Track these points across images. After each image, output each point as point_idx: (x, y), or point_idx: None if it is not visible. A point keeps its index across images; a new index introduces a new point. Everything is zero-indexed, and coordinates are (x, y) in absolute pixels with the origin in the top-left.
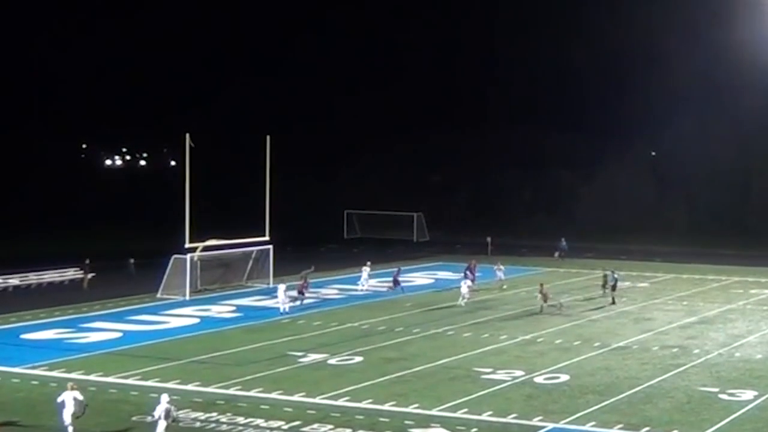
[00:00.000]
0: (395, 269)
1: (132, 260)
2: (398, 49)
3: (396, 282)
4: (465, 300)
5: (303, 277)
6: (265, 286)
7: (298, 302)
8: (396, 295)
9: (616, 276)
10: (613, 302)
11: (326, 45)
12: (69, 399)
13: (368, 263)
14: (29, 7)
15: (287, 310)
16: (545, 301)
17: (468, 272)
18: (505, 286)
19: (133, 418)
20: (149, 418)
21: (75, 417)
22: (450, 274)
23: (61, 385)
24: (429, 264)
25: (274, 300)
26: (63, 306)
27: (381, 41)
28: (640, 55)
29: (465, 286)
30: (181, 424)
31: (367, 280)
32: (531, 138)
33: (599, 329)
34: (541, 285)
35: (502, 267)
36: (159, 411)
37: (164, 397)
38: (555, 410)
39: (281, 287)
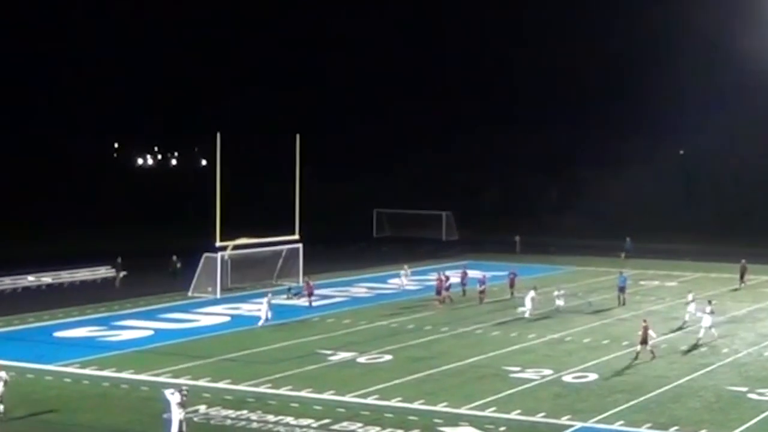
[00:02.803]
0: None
1: (175, 257)
2: (427, 51)
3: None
4: (527, 312)
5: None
6: (295, 284)
7: (298, 299)
8: (423, 294)
9: (625, 277)
10: (623, 303)
11: (358, 46)
12: None
13: (405, 266)
14: (62, 4)
15: (265, 321)
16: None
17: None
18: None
19: (165, 416)
20: (165, 415)
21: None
22: (478, 273)
23: (94, 382)
24: (458, 263)
25: (305, 299)
26: (95, 304)
27: (411, 44)
28: (671, 55)
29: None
30: (195, 419)
31: (407, 277)
32: (559, 137)
33: (627, 328)
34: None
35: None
36: (173, 402)
37: (167, 393)
38: (583, 409)
39: (267, 297)
